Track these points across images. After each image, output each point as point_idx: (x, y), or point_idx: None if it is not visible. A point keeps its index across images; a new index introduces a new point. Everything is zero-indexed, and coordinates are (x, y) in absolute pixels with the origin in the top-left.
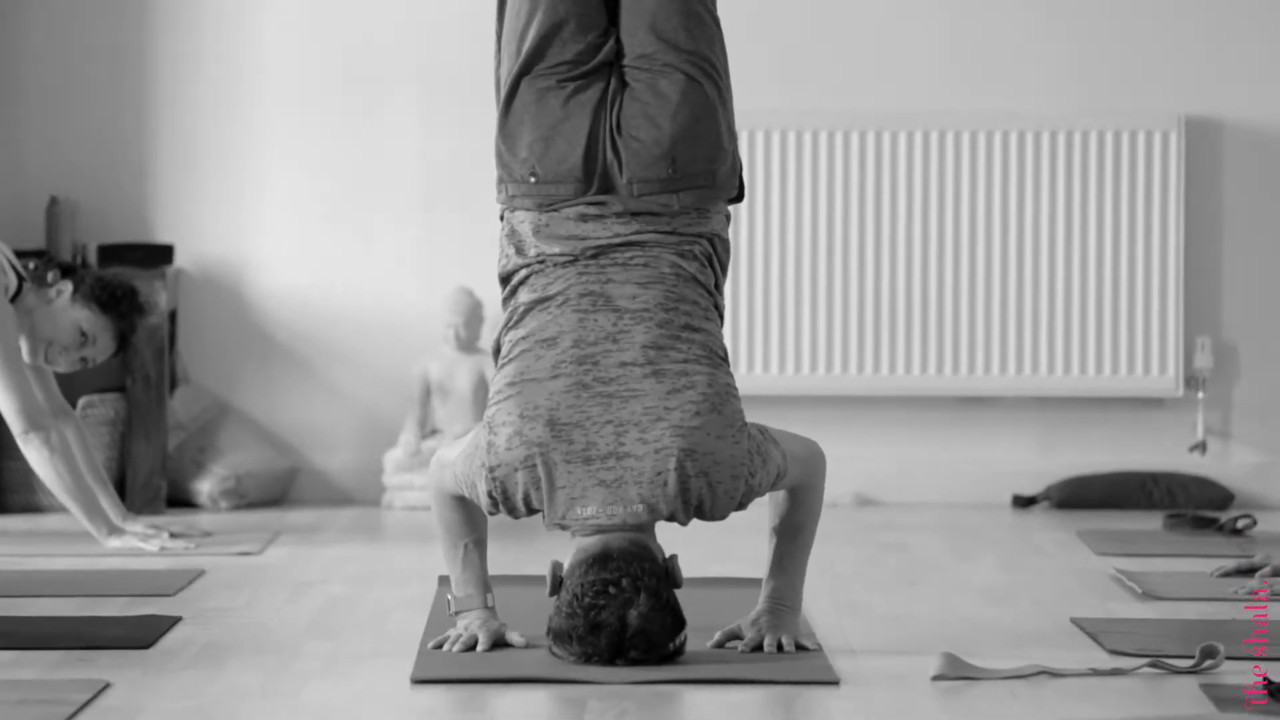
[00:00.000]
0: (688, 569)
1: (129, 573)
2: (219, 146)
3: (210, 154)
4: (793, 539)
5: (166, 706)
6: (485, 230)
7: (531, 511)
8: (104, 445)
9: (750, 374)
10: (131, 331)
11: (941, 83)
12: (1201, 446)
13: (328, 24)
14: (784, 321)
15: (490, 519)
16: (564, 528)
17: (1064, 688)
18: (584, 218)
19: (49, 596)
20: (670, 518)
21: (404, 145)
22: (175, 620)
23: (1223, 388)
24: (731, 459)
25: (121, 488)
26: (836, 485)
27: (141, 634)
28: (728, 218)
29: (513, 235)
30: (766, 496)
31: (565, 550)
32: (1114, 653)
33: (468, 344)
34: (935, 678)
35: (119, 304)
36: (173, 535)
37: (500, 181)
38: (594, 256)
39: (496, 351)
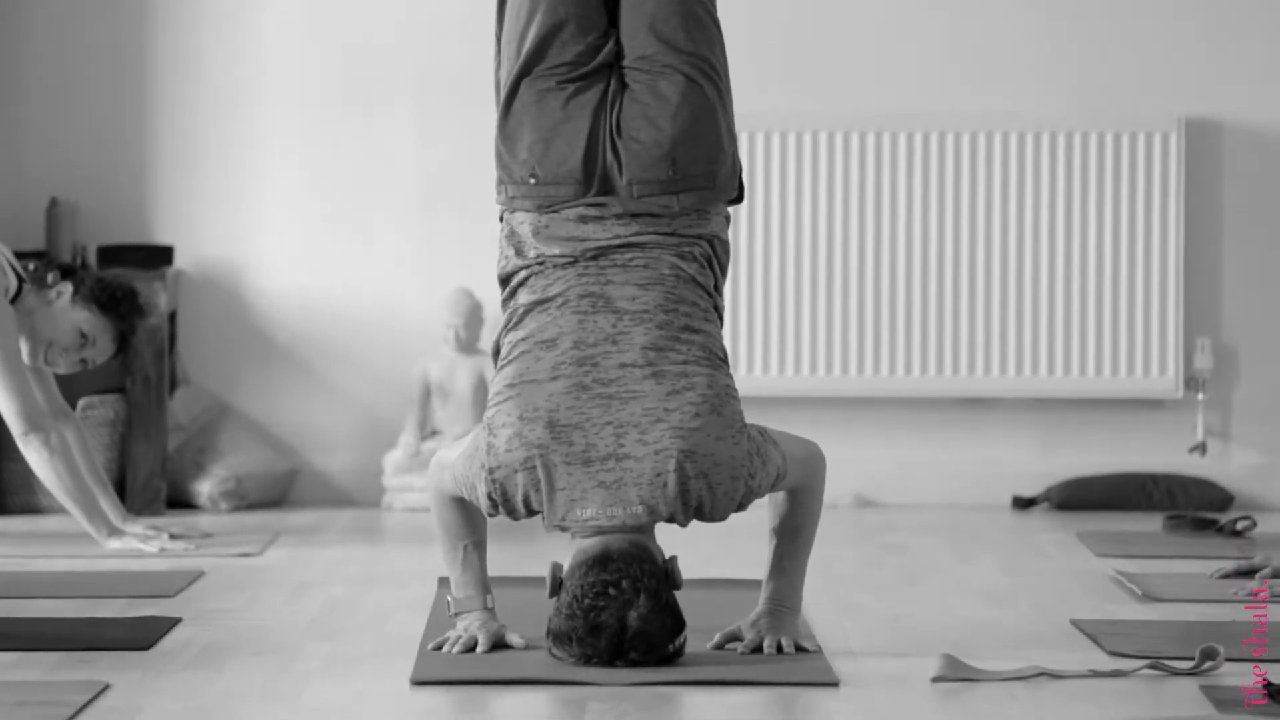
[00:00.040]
0: (687, 570)
1: (129, 574)
2: (219, 147)
3: (210, 155)
4: (792, 540)
5: (166, 708)
6: (485, 231)
7: (531, 513)
8: (104, 446)
9: (750, 375)
10: (131, 333)
11: (941, 84)
12: (1201, 448)
13: (328, 25)
14: (784, 323)
15: (490, 520)
16: (564, 529)
17: (1064, 689)
18: (584, 219)
19: (49, 598)
20: (670, 519)
21: (404, 146)
22: (175, 621)
23: (1223, 389)
24: (731, 460)
25: (121, 489)
26: (836, 486)
27: (141, 635)
28: (727, 219)
29: (512, 236)
30: (766, 498)
31: (565, 552)
32: (1114, 654)
33: (468, 345)
34: (935, 679)
35: (119, 305)
36: (173, 536)
37: (500, 183)
38: (594, 258)
39: (496, 353)
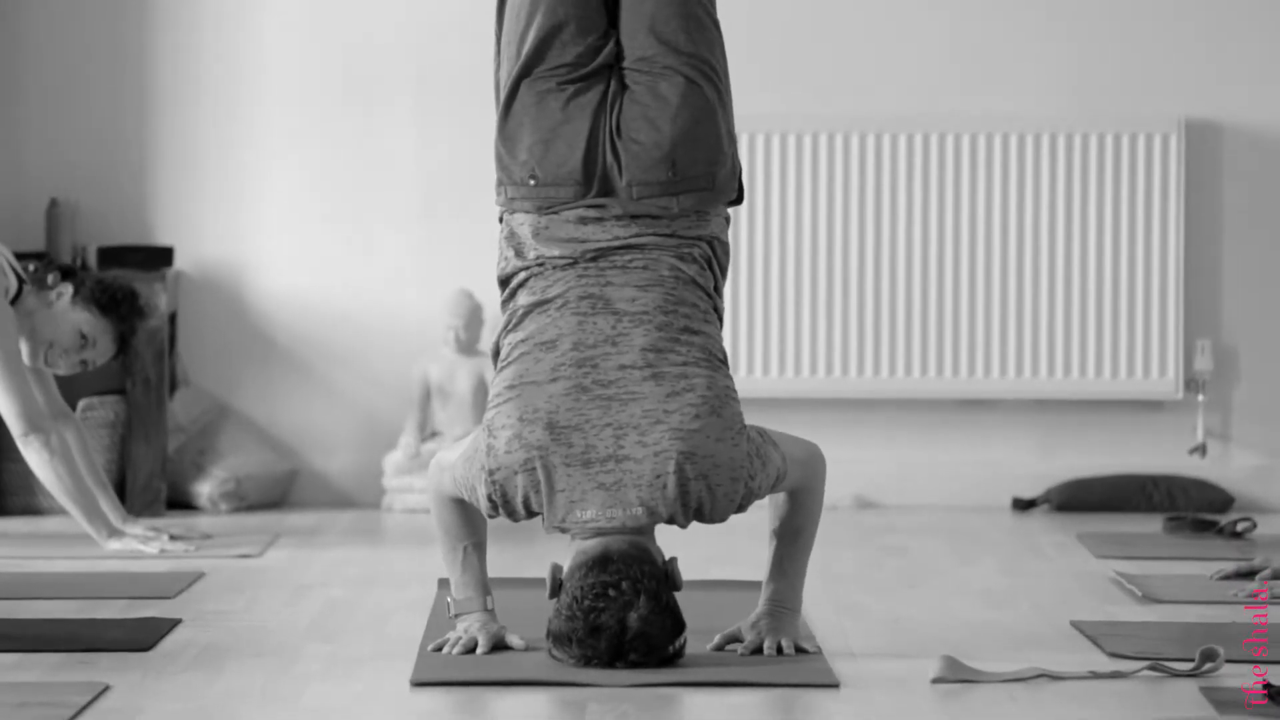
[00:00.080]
0: (687, 572)
1: (129, 575)
2: (219, 148)
3: (210, 155)
4: (793, 541)
5: (166, 709)
6: (485, 232)
7: (531, 514)
8: (104, 448)
9: (750, 377)
10: (131, 334)
11: (941, 85)
12: (1201, 449)
13: (328, 25)
14: (784, 324)
15: (490, 522)
16: (563, 530)
17: (1063, 690)
18: (583, 220)
19: (49, 599)
20: (670, 520)
21: (404, 147)
22: (175, 623)
23: (1223, 390)
24: (731, 462)
25: (121, 490)
26: (836, 488)
27: (141, 636)
28: (727, 220)
29: (512, 238)
30: (766, 499)
31: (565, 553)
32: (1114, 655)
33: (468, 346)
34: (935, 680)
35: (119, 306)
36: (172, 537)
37: (500, 184)
38: (593, 259)
39: (496, 354)
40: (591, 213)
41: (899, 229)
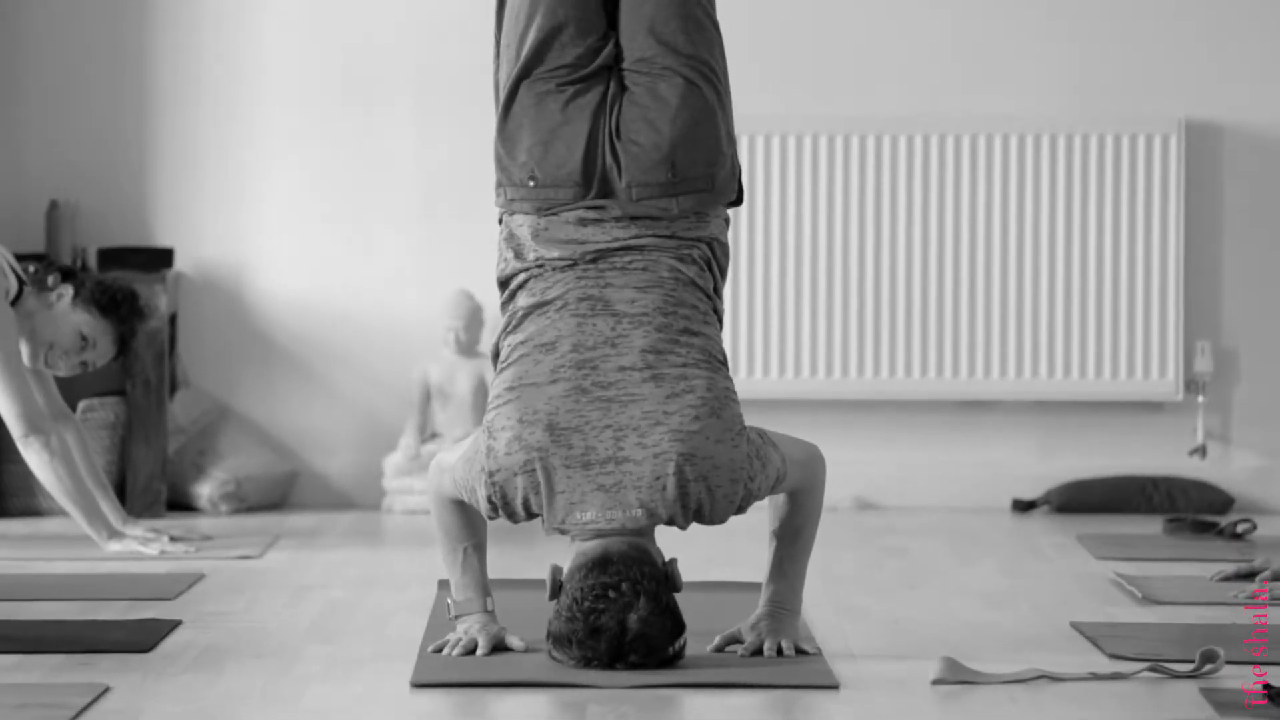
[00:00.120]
0: (687, 573)
1: (129, 576)
2: (218, 148)
3: (210, 155)
4: (792, 542)
5: (166, 710)
6: (485, 233)
7: (531, 516)
8: (104, 449)
9: (750, 378)
10: (132, 335)
11: (941, 86)
12: (1201, 450)
13: (328, 25)
14: (784, 325)
15: (490, 523)
16: (563, 532)
17: (1064, 692)
18: (583, 222)
19: (49, 600)
20: (669, 522)
21: (404, 147)
22: (175, 624)
23: (1223, 391)
24: (730, 463)
25: (121, 491)
26: (836, 489)
27: (141, 638)
28: (727, 221)
29: (511, 239)
30: (766, 500)
31: (565, 554)
32: (1114, 657)
33: (468, 348)
34: (935, 682)
35: (119, 308)
36: (173, 539)
37: (499, 185)
38: (593, 261)
39: (495, 356)
40: (591, 214)
41: (899, 230)
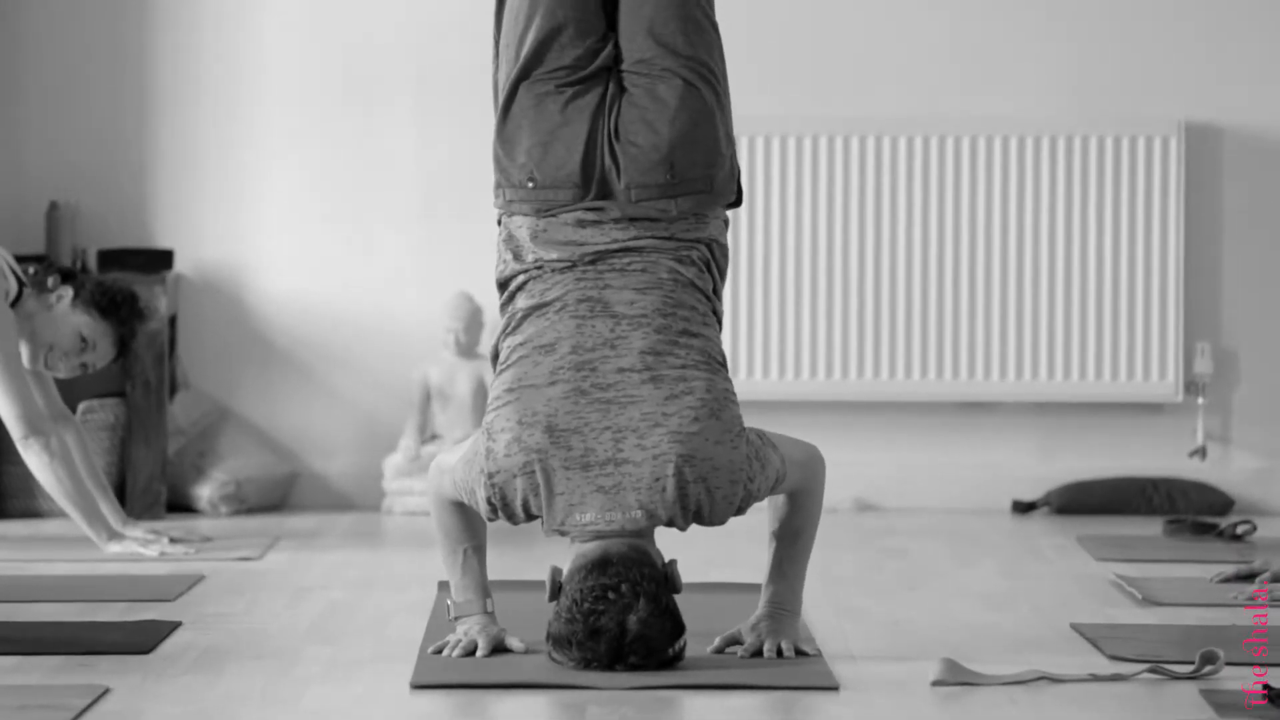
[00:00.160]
0: (687, 574)
1: (129, 578)
2: (218, 148)
3: (210, 156)
4: (792, 543)
5: (166, 711)
6: (486, 234)
7: (530, 517)
8: (104, 450)
9: (750, 379)
10: (131, 337)
11: (941, 88)
12: (1201, 452)
13: (328, 25)
14: (784, 327)
15: (490, 524)
16: (563, 534)
17: (1063, 693)
18: (582, 223)
19: (49, 602)
20: (669, 523)
21: (404, 148)
22: (175, 625)
23: (1223, 393)
24: (730, 464)
25: (121, 493)
26: (836, 491)
27: (141, 639)
28: (726, 223)
29: (510, 240)
30: (766, 501)
31: (564, 556)
32: (1114, 658)
33: (468, 349)
34: (935, 683)
35: (119, 309)
36: (172, 540)
37: (498, 186)
38: (592, 262)
39: (495, 357)
40: (590, 215)
41: (898, 231)
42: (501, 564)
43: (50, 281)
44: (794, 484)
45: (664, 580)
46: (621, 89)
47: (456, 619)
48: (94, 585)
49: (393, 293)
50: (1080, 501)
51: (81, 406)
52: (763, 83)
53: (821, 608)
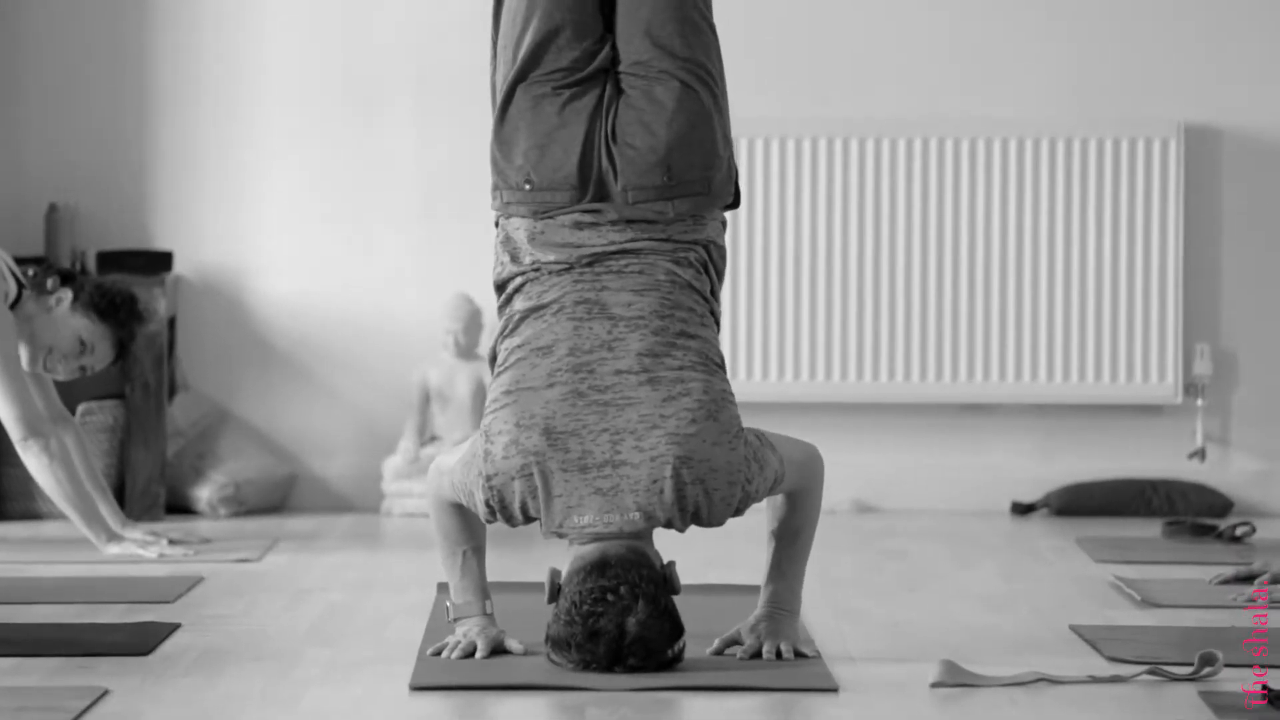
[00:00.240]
0: (686, 575)
1: (128, 579)
2: (218, 149)
3: (209, 157)
4: (791, 542)
5: (165, 713)
6: (485, 236)
7: (529, 520)
8: (103, 452)
9: (749, 381)
10: (130, 340)
11: (940, 89)
12: (1200, 453)
13: (328, 26)
14: (783, 328)
15: (489, 526)
16: (561, 536)
17: (1063, 695)
18: (579, 225)
19: (48, 603)
20: (667, 525)
21: (404, 148)
22: (174, 627)
23: (1222, 394)
24: (728, 466)
25: (120, 494)
26: (835, 492)
27: (140, 641)
28: (724, 224)
29: (507, 242)
30: (765, 501)
31: (563, 558)
32: (1113, 660)
33: (467, 351)
34: (934, 685)
35: (118, 312)
36: (172, 542)
37: (495, 188)
38: (589, 264)
39: (493, 359)
40: (587, 218)
41: (897, 233)
42: (501, 565)
43: (50, 283)
44: (793, 484)
45: (663, 582)
46: (619, 91)
47: (455, 620)
48: (93, 587)
49: (392, 294)
50: (1079, 503)
51: (81, 408)
52: (761, 84)
53: (821, 609)
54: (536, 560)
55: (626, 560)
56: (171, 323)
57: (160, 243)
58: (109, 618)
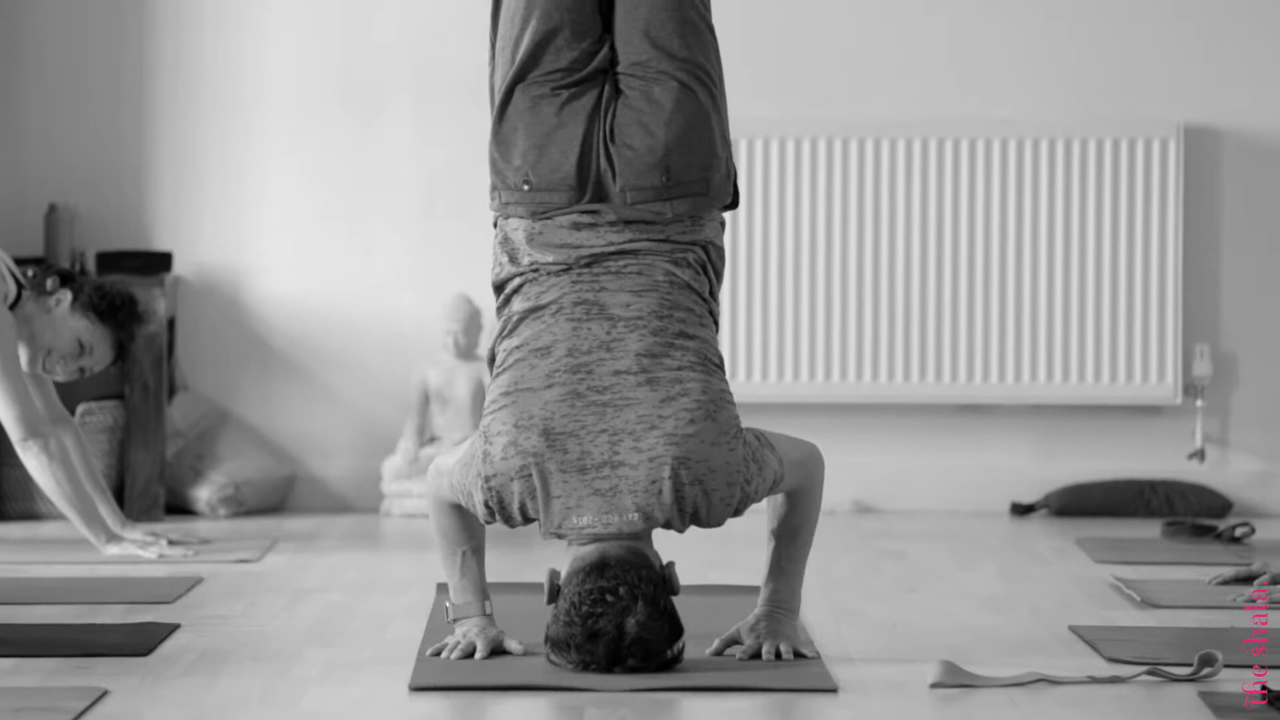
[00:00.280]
0: (685, 576)
1: (127, 580)
2: (218, 150)
3: (209, 158)
4: (791, 540)
5: (165, 714)
6: (484, 237)
7: (528, 520)
8: (102, 453)
9: (749, 382)
10: (130, 341)
11: (940, 90)
12: (1200, 454)
13: (327, 27)
14: (782, 329)
15: (488, 527)
16: (560, 537)
17: (1062, 695)
18: (577, 226)
19: (47, 604)
20: (666, 525)
21: (403, 149)
22: (173, 628)
23: (1221, 395)
24: (726, 466)
25: (120, 495)
26: (835, 493)
27: (140, 641)
28: (722, 224)
29: (506, 243)
30: (765, 500)
31: (562, 559)
32: (1112, 660)
33: (466, 351)
34: (934, 685)
35: (117, 314)
36: (171, 542)
37: (494, 189)
38: (587, 265)
39: (491, 360)
40: (585, 218)
41: (896, 234)
42: (500, 566)
43: (49, 284)
44: (793, 484)
45: (662, 582)
46: (617, 91)
47: (455, 621)
48: (92, 587)
49: (392, 294)
50: (1079, 504)
51: (80, 409)
52: (760, 85)
53: (820, 610)
54: (536, 561)
55: (626, 561)
56: (171, 323)
57: (159, 243)
58: (108, 618)
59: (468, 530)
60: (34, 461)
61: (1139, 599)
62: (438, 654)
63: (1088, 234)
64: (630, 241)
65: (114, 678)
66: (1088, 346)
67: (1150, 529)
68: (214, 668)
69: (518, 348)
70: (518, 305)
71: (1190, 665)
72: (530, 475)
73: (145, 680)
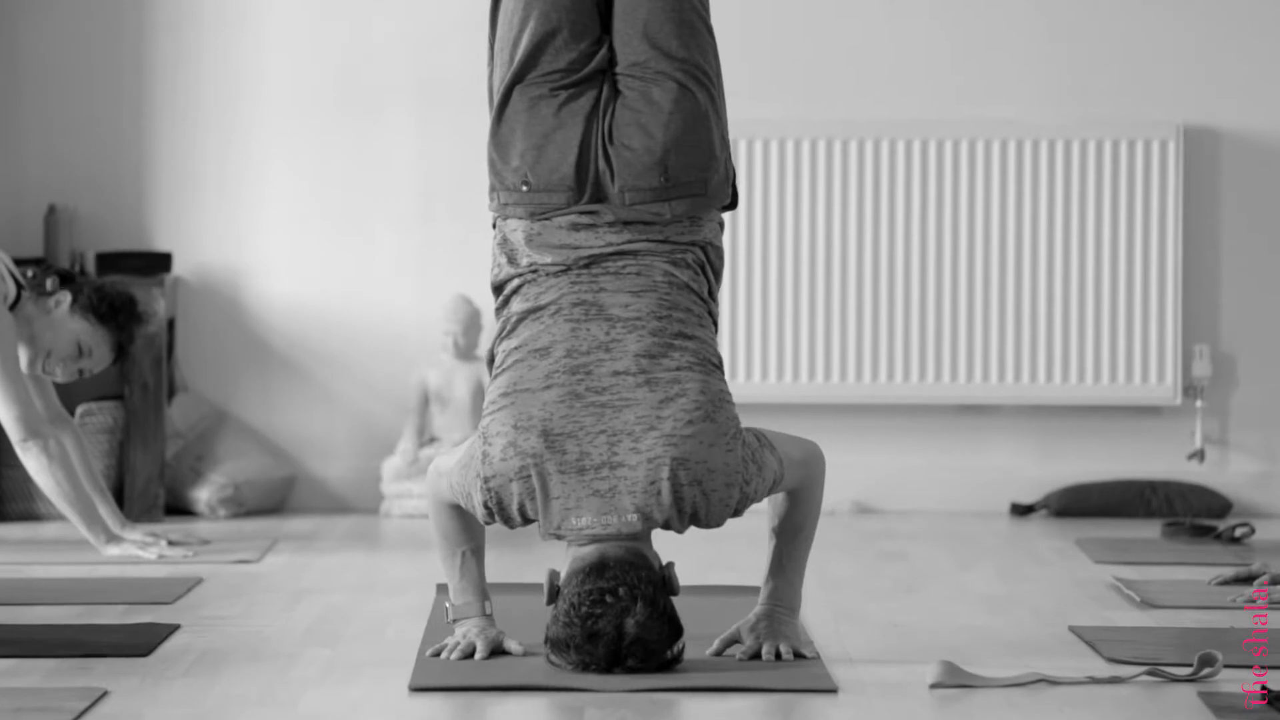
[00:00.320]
0: (685, 576)
1: (127, 580)
2: (218, 151)
3: (209, 159)
4: (792, 539)
5: (164, 714)
6: (483, 238)
7: (527, 521)
8: (102, 453)
9: (748, 382)
10: (129, 343)
11: (939, 91)
12: (1199, 455)
13: (327, 30)
14: (781, 329)
15: (488, 527)
16: (559, 537)
17: (1062, 696)
18: (576, 226)
19: (47, 604)
20: (665, 526)
21: (403, 151)
22: (173, 628)
23: (1221, 396)
24: (725, 467)
25: (120, 496)
26: (835, 493)
27: (139, 642)
28: (721, 225)
29: (505, 244)
30: (765, 500)
31: (562, 559)
32: (1112, 661)
33: (466, 352)
34: (933, 686)
35: (117, 315)
36: (171, 543)
37: (492, 189)
38: (586, 266)
39: (490, 361)
40: (584, 219)
41: (896, 234)
42: (500, 566)
43: (49, 285)
44: (793, 483)
45: (662, 583)
46: (616, 92)
47: (455, 621)
48: (92, 588)
49: (391, 295)
50: (1079, 504)
51: (80, 409)
52: (759, 86)
53: (820, 610)
54: (536, 561)
55: (625, 562)
56: (170, 324)
57: (159, 244)
58: (108, 619)
59: (467, 531)
60: (34, 462)
61: (1139, 599)
62: (437, 654)
63: (1087, 235)
64: (629, 242)
65: (114, 678)
66: (1087, 347)
67: (1150, 529)
68: (214, 668)
69: (516, 348)
70: (517, 306)
71: (1190, 665)
72: (529, 476)
73: (145, 680)
